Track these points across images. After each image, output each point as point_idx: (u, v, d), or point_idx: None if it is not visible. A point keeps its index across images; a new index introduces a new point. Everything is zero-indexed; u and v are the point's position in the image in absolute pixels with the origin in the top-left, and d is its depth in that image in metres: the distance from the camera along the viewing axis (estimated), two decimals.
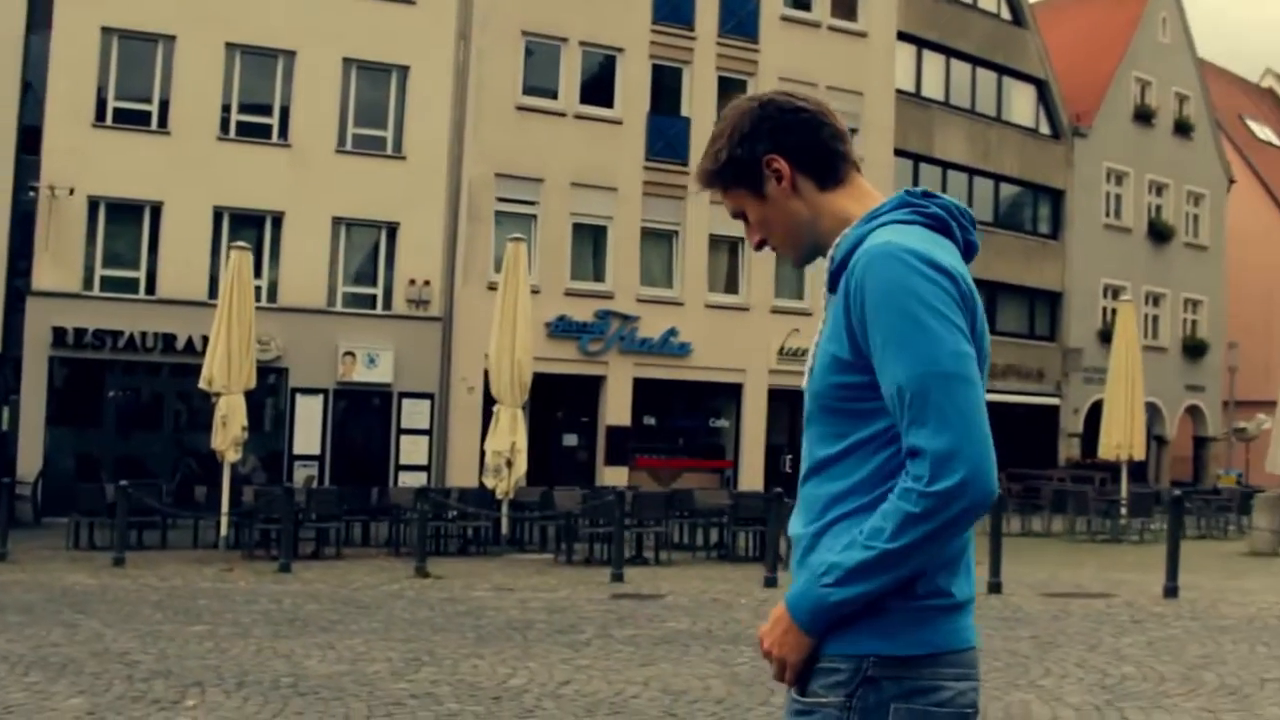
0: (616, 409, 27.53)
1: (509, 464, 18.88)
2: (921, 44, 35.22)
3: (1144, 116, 41.37)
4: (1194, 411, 42.79)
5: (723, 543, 19.99)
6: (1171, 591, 14.42)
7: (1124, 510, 24.42)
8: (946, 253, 2.29)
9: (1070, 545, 23.02)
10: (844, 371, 2.29)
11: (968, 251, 2.42)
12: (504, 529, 19.67)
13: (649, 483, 26.65)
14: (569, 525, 18.43)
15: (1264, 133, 50.43)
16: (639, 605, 13.24)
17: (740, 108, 2.49)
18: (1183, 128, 42.55)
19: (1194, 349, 42.27)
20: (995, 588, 14.75)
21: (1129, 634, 11.64)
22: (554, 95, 27.13)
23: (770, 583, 15.15)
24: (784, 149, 2.43)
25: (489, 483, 19.16)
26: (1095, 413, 38.78)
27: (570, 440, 27.60)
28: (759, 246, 2.56)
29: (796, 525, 2.42)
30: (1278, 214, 46.21)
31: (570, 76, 27.30)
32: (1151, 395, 33.36)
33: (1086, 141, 39.29)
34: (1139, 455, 25.48)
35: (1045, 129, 38.85)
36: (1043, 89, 38.62)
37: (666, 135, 28.44)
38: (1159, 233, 41.44)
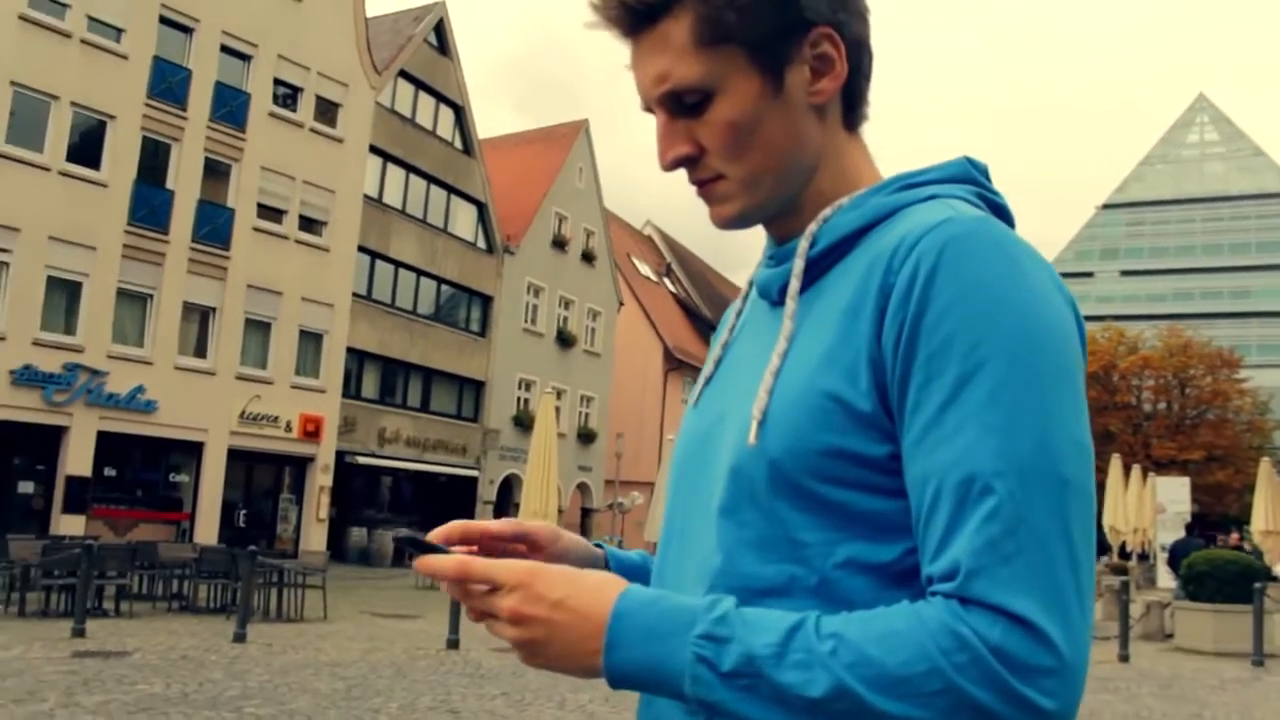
0: (78, 459, 23.59)
1: None
2: (387, 158, 33.92)
3: (560, 243, 42.32)
4: (583, 488, 43.87)
5: (182, 594, 17.27)
6: None
7: None
8: None
9: None
10: (854, 430, 1.04)
11: None
12: None
13: (106, 532, 23.09)
14: (25, 576, 15.07)
15: (645, 269, 53.46)
16: (104, 665, 10.64)
17: None
18: (588, 256, 43.97)
19: (586, 436, 43.41)
20: (454, 644, 13.39)
21: (585, 690, 10.63)
22: (40, 149, 23.14)
23: (239, 638, 12.88)
24: (844, 33, 1.15)
25: None
26: (506, 485, 38.94)
27: (26, 488, 23.31)
28: (680, 164, 1.17)
29: (678, 718, 1.07)
30: (653, 333, 48.81)
31: (58, 133, 23.41)
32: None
33: (514, 258, 39.50)
34: (551, 522, 25.18)
35: (482, 243, 38.62)
36: (482, 210, 38.46)
37: (151, 204, 25.09)
38: (565, 339, 42.30)
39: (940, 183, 1.16)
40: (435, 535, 1.17)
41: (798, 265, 1.14)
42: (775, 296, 1.19)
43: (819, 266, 1.14)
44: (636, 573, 1.32)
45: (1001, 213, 1.16)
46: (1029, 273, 1.02)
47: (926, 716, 0.92)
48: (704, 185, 1.17)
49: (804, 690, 0.94)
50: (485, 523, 1.23)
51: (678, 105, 1.14)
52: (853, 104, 1.19)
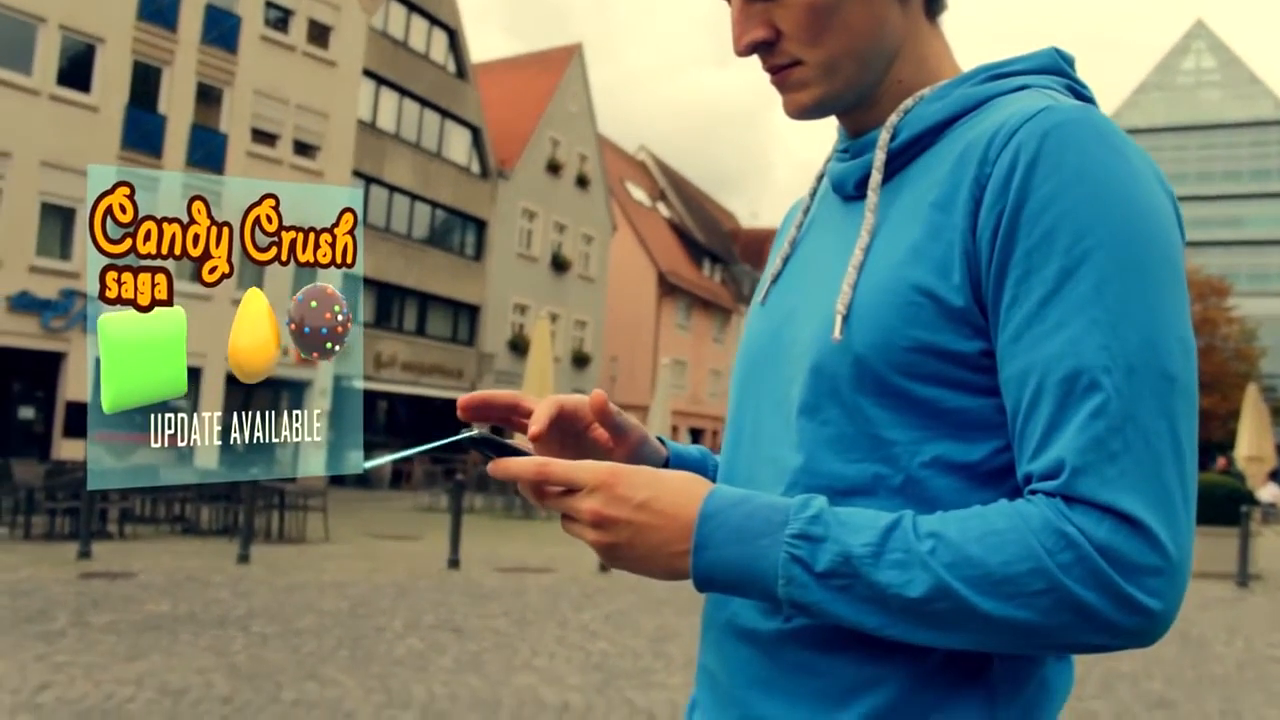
0: (78, 384, 23.64)
1: None
2: (381, 81, 33.53)
3: (554, 168, 42.00)
4: None
5: (185, 516, 17.38)
6: (607, 568, 13.82)
7: None
8: None
9: (492, 520, 22.28)
10: (945, 325, 0.99)
11: None
12: None
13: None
14: (29, 499, 15.14)
15: (639, 194, 53.14)
16: (111, 585, 10.75)
17: None
18: (582, 181, 43.68)
19: (580, 360, 43.45)
20: (455, 564, 13.52)
21: (586, 609, 10.78)
22: (28, 72, 22.82)
23: (243, 559, 12.99)
24: None
25: None
26: None
27: (26, 413, 23.34)
28: (755, 49, 1.11)
29: (755, 618, 1.05)
30: (646, 258, 48.64)
31: (47, 56, 23.07)
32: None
33: (508, 183, 39.22)
34: None
35: (476, 168, 38.33)
36: (476, 134, 38.11)
37: (143, 129, 24.83)
38: (559, 263, 42.17)
39: (1030, 73, 1.10)
40: (537, 418, 1.12)
41: (878, 157, 1.09)
42: (851, 190, 1.14)
43: (900, 159, 1.09)
44: (698, 469, 1.28)
45: (1092, 105, 1.09)
46: (1133, 163, 0.97)
47: (1028, 617, 0.90)
48: (779, 72, 1.11)
49: (903, 590, 0.91)
50: (579, 399, 1.17)
51: None
52: None
